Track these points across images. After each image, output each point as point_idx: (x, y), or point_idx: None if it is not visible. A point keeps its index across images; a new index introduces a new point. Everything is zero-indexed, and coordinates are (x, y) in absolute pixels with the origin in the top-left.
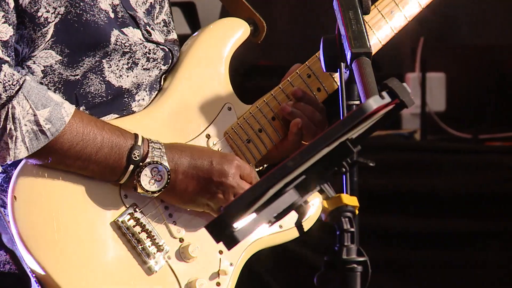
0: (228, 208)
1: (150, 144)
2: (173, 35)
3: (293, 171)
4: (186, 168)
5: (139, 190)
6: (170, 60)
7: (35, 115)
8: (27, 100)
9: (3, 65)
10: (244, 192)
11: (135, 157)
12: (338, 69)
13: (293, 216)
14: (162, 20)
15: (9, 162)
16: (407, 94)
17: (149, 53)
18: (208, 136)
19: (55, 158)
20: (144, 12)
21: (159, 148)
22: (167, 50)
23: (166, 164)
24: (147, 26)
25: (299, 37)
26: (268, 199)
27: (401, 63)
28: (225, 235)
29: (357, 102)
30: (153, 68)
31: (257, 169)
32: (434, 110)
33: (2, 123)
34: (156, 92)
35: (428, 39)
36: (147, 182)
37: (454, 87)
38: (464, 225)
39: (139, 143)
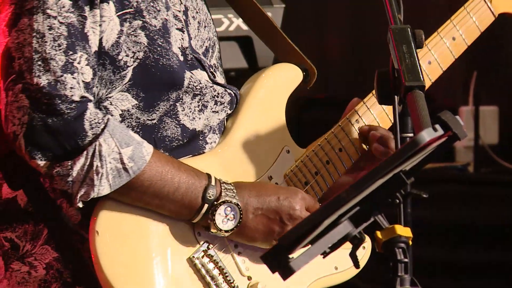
0: (284, 238)
1: (222, 184)
2: (223, 80)
3: (347, 202)
4: (255, 206)
5: (212, 229)
6: (234, 105)
7: (119, 153)
8: (113, 138)
9: (88, 103)
10: (299, 223)
11: (210, 197)
12: (392, 102)
13: (347, 257)
14: (213, 64)
15: (92, 197)
16: (460, 127)
17: (217, 97)
18: (270, 178)
19: (135, 195)
20: (202, 54)
21: (231, 189)
22: (233, 94)
23: (239, 203)
24: (211, 68)
25: (354, 68)
26: (322, 230)
27: (454, 96)
28: (280, 265)
29: (411, 135)
30: (221, 111)
31: None
32: (487, 143)
33: (89, 160)
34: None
35: (481, 73)
36: (221, 221)
37: (507, 120)
38: None
39: (213, 183)
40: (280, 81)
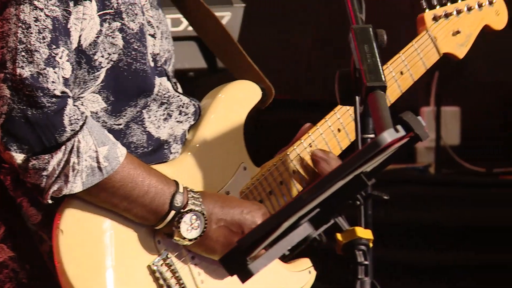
0: (243, 240)
1: (189, 192)
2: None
3: (308, 204)
4: (219, 217)
5: (176, 237)
6: (198, 117)
7: (96, 151)
8: (91, 136)
9: (68, 99)
10: (258, 225)
11: (177, 204)
12: (353, 103)
13: (295, 279)
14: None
15: (64, 194)
16: (421, 128)
17: (183, 107)
18: (227, 193)
19: (104, 196)
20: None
21: (198, 197)
22: (197, 106)
23: (205, 212)
24: (173, 79)
25: (321, 68)
26: (282, 232)
27: (416, 97)
28: (239, 268)
29: (372, 136)
30: (185, 121)
31: None
32: (449, 143)
33: (66, 156)
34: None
35: (443, 74)
36: (185, 229)
37: (468, 121)
38: (479, 258)
39: (181, 190)
40: (239, 99)
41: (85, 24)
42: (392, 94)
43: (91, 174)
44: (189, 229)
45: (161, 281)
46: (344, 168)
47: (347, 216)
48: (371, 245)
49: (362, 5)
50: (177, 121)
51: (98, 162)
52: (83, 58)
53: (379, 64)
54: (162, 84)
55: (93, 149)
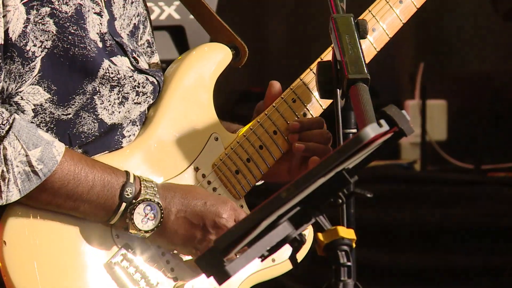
0: (219, 241)
1: (142, 182)
2: (156, 57)
3: (287, 202)
4: (178, 208)
5: (131, 229)
6: (157, 94)
7: (27, 155)
8: (18, 140)
9: None
10: (235, 225)
11: (128, 195)
12: (334, 96)
13: (286, 249)
14: (146, 41)
15: (1, 204)
16: (406, 122)
17: (138, 87)
18: (196, 169)
19: (46, 198)
20: (128, 35)
21: (152, 186)
22: (155, 83)
23: (160, 202)
24: (133, 53)
25: (291, 62)
26: (260, 232)
27: (400, 89)
28: (216, 269)
29: (354, 131)
30: (143, 102)
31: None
32: (435, 139)
33: None
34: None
35: (429, 65)
36: (140, 220)
37: (456, 115)
38: (466, 260)
39: (131, 180)
40: (203, 64)
41: (10, 16)
42: (379, 42)
43: (26, 180)
44: (144, 220)
45: (123, 278)
46: (325, 164)
47: (329, 215)
48: (354, 245)
49: None
50: (135, 103)
51: (31, 166)
52: (14, 51)
53: (362, 55)
54: (112, 66)
55: (23, 154)
